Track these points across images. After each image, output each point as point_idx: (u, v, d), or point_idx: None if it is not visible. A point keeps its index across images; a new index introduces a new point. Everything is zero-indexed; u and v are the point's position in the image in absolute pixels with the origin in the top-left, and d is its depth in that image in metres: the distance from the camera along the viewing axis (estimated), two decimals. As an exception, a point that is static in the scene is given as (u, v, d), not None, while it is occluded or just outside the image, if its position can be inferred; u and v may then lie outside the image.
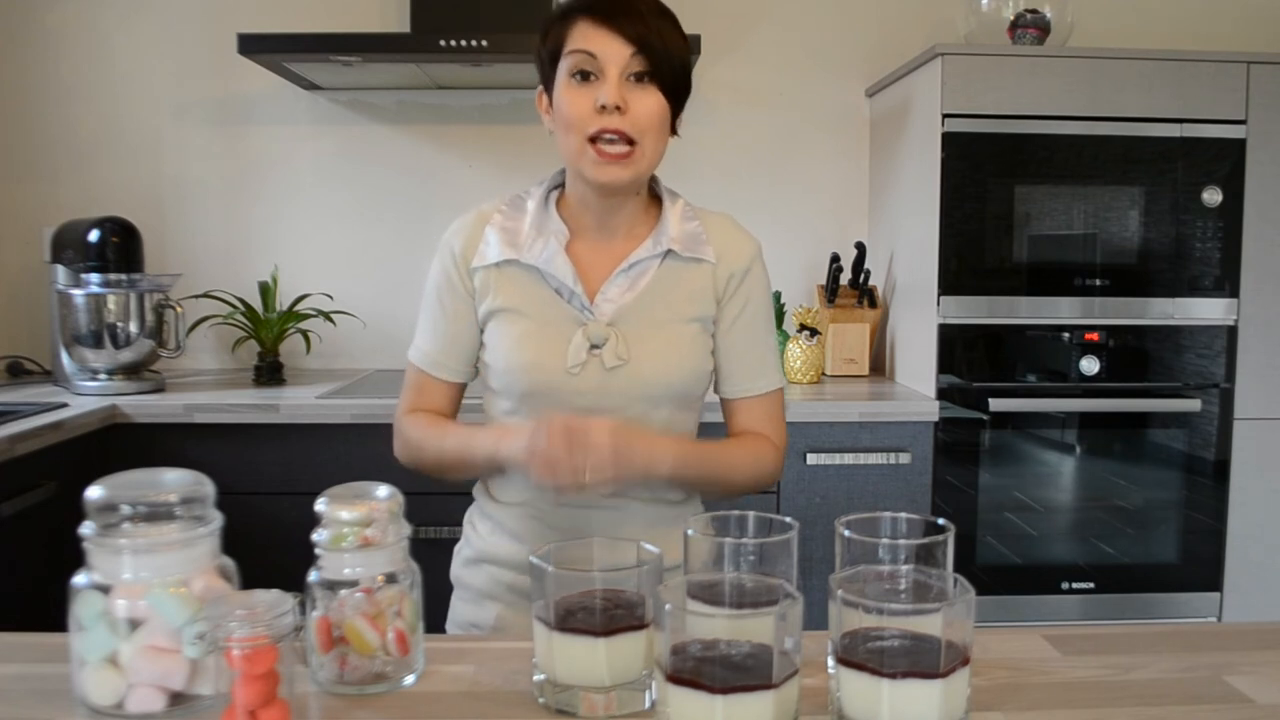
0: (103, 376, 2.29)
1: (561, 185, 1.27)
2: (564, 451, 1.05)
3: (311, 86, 2.64)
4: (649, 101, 1.14)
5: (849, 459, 2.17)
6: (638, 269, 1.22)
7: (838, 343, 2.55)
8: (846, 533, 0.84)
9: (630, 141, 1.13)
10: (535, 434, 1.07)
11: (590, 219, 1.23)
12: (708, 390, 1.28)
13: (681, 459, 1.16)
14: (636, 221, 1.25)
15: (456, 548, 1.33)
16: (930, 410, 2.18)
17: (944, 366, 2.25)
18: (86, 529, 0.80)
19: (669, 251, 1.22)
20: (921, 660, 0.70)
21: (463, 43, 2.22)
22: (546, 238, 1.21)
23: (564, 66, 1.14)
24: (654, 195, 1.28)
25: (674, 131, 1.21)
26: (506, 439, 1.15)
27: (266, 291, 2.56)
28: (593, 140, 1.13)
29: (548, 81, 1.19)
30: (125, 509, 0.81)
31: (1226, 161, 2.24)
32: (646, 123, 1.14)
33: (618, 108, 1.11)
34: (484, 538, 1.28)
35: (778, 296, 2.59)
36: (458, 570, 1.32)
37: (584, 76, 1.13)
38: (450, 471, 1.24)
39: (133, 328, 2.30)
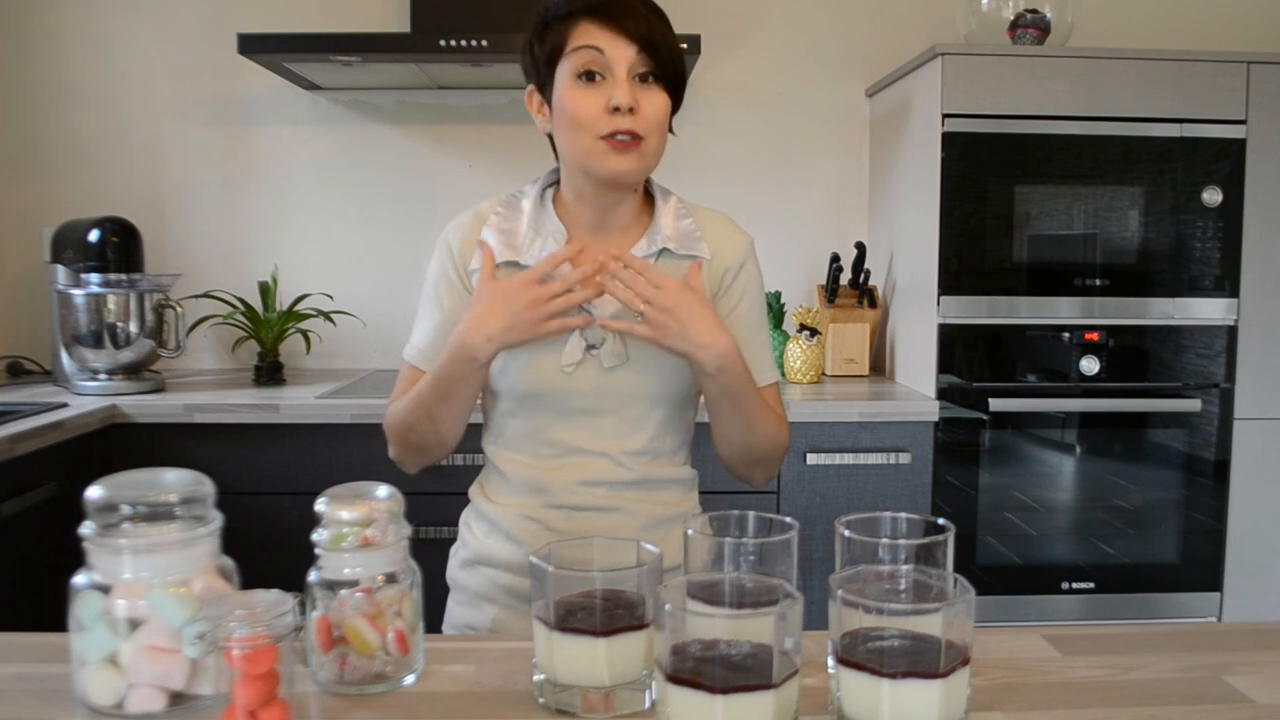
0: (103, 376, 2.29)
1: (555, 184, 1.27)
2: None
3: (311, 86, 2.64)
4: (656, 101, 1.14)
5: (849, 459, 2.17)
6: None
7: (838, 343, 2.55)
8: (846, 533, 0.84)
9: (638, 135, 1.13)
10: (530, 280, 1.12)
11: (588, 216, 1.23)
12: None
13: (728, 362, 1.14)
14: (631, 220, 1.25)
15: (453, 549, 1.33)
16: (930, 410, 2.18)
17: (944, 366, 2.25)
18: (86, 529, 0.80)
19: (664, 250, 1.23)
20: (921, 660, 0.70)
21: (463, 43, 2.22)
22: (545, 239, 1.21)
23: (567, 67, 1.14)
24: (648, 194, 1.28)
25: (671, 130, 1.21)
26: (474, 330, 1.13)
27: (266, 291, 2.56)
28: (605, 138, 1.13)
29: (543, 81, 1.18)
30: (125, 509, 0.81)
31: (1226, 161, 2.24)
32: (655, 121, 1.14)
33: (631, 109, 1.12)
34: (480, 539, 1.27)
35: (777, 296, 2.60)
36: (454, 572, 1.31)
37: (590, 77, 1.13)
38: (441, 415, 1.18)
39: (133, 328, 2.30)
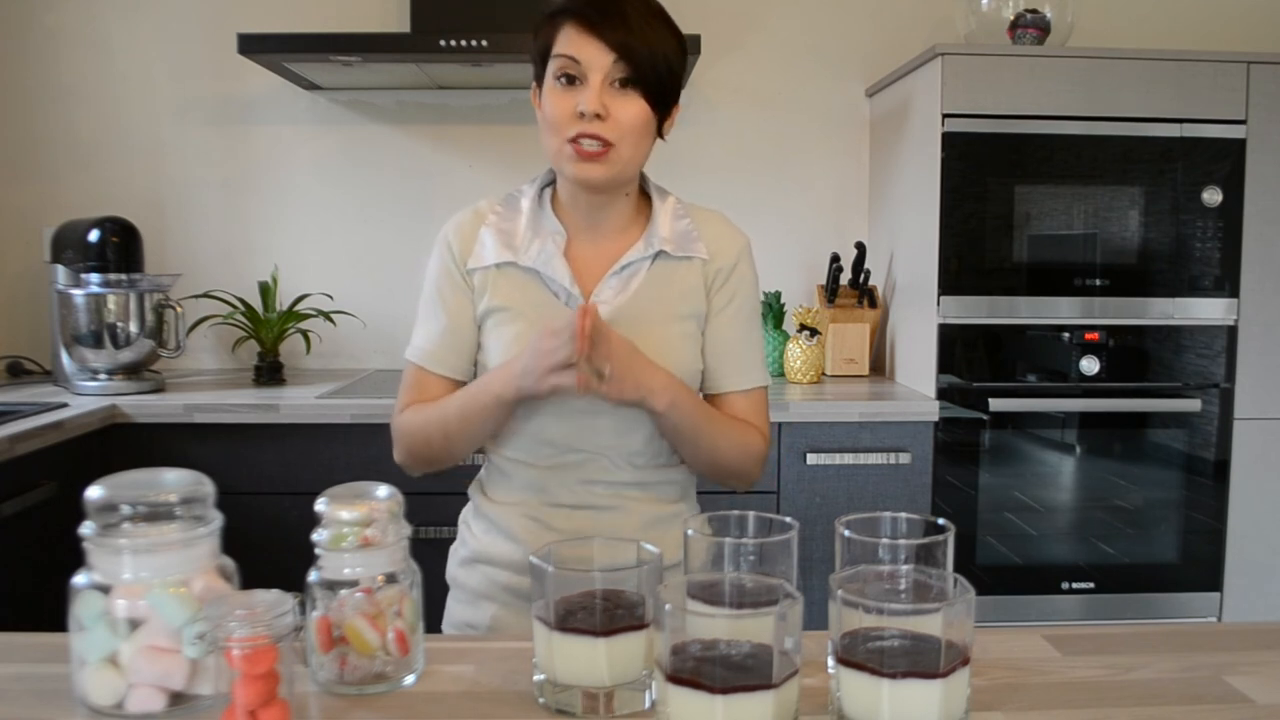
0: (103, 376, 2.29)
1: (553, 182, 1.27)
2: (586, 346, 1.07)
3: (311, 86, 2.64)
4: (630, 108, 1.13)
5: (849, 459, 2.17)
6: (630, 270, 1.22)
7: (838, 343, 2.55)
8: (846, 533, 0.84)
9: (608, 142, 1.13)
10: (549, 333, 1.09)
11: (580, 217, 1.23)
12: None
13: (677, 397, 1.16)
14: (628, 221, 1.25)
15: (452, 548, 1.33)
16: (930, 410, 2.18)
17: (944, 366, 2.25)
18: (86, 529, 0.80)
19: (660, 253, 1.22)
20: (921, 660, 0.70)
21: (463, 43, 2.22)
22: (544, 239, 1.21)
23: (550, 68, 1.15)
24: (645, 194, 1.28)
25: (661, 135, 1.21)
26: (507, 369, 1.15)
27: (266, 291, 2.56)
28: (571, 141, 1.13)
29: (539, 77, 1.19)
30: (125, 509, 0.81)
31: (1226, 161, 2.24)
32: (627, 128, 1.13)
33: (597, 115, 1.11)
34: (479, 538, 1.27)
35: (777, 296, 2.59)
36: (453, 570, 1.31)
37: (568, 80, 1.13)
38: (459, 439, 1.21)
39: (133, 328, 2.30)
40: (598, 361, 1.09)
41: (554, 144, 1.15)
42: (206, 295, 2.56)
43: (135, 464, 0.87)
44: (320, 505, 0.86)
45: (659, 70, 1.14)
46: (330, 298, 2.67)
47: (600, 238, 1.23)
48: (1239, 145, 2.23)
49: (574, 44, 1.12)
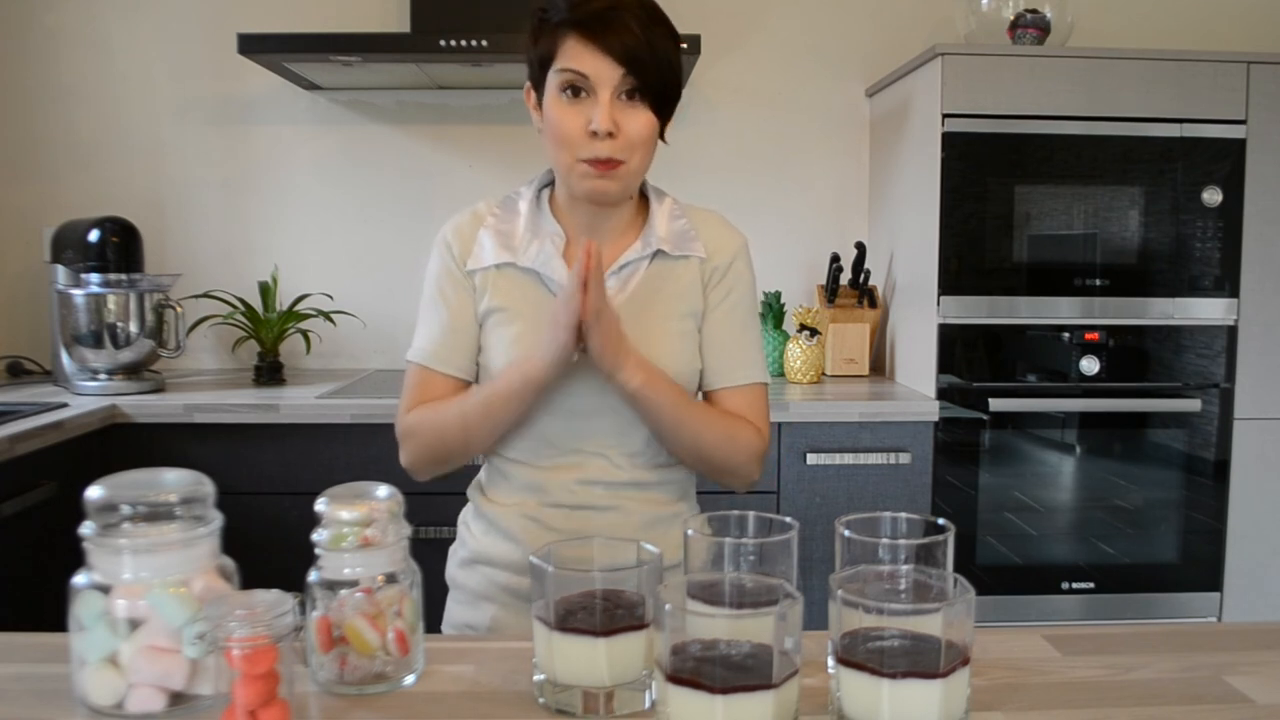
0: (103, 376, 2.29)
1: (551, 184, 1.27)
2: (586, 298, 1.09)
3: (311, 86, 2.64)
4: (640, 120, 1.13)
5: (849, 459, 2.17)
6: (628, 270, 1.22)
7: (838, 343, 2.55)
8: (846, 533, 0.84)
9: (620, 160, 1.13)
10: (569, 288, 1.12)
11: (581, 220, 1.23)
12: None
13: (651, 380, 1.15)
14: (626, 223, 1.25)
15: (451, 549, 1.33)
16: (930, 410, 2.18)
17: (944, 366, 2.25)
18: (86, 529, 0.80)
19: (658, 252, 1.23)
20: (921, 660, 0.70)
21: (463, 43, 2.22)
22: (543, 240, 1.21)
23: (554, 80, 1.14)
24: (643, 195, 1.28)
25: (662, 138, 1.21)
26: (532, 355, 1.14)
27: (266, 291, 2.56)
28: (583, 160, 1.13)
29: (537, 82, 1.18)
30: (125, 509, 0.81)
31: (1226, 161, 2.24)
32: (637, 141, 1.13)
33: (610, 134, 1.11)
34: (478, 539, 1.27)
35: (778, 296, 2.59)
36: (453, 571, 1.31)
37: (575, 93, 1.12)
38: (478, 432, 1.19)
39: (133, 328, 2.30)
40: (595, 302, 1.09)
41: (565, 160, 1.14)
42: (206, 295, 2.56)
43: (135, 464, 0.87)
44: (320, 505, 0.86)
45: (664, 77, 1.14)
46: (330, 298, 2.67)
47: (599, 239, 1.23)
48: (1239, 145, 2.24)
49: (580, 58, 1.11)
